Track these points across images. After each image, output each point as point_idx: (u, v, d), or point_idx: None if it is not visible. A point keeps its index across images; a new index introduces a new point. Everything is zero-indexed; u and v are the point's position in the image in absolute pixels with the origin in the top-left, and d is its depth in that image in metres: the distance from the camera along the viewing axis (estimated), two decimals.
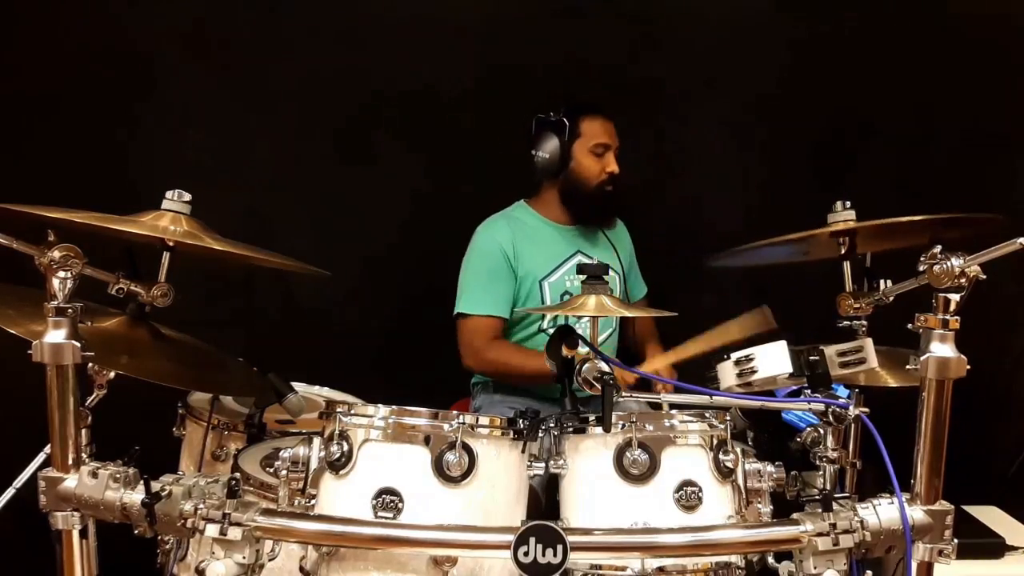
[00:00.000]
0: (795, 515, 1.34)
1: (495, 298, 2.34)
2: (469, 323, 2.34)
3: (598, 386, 1.43)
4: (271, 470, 1.57)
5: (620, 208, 2.50)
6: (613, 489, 1.41)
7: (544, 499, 1.75)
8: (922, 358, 1.31)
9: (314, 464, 1.44)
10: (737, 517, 1.44)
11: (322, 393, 2.17)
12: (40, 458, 1.69)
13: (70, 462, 1.30)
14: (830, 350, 1.55)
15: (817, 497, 1.35)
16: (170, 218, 1.54)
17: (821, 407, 1.48)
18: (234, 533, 1.28)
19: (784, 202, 2.55)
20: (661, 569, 1.36)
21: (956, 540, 1.33)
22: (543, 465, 1.47)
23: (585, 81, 2.69)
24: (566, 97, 2.43)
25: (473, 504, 1.39)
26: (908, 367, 1.34)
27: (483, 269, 2.36)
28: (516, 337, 2.41)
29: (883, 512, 1.32)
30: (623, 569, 1.37)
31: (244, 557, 1.29)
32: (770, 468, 1.48)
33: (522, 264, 2.37)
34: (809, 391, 1.51)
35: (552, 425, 1.51)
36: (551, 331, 2.34)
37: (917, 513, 1.32)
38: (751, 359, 1.51)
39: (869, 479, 1.79)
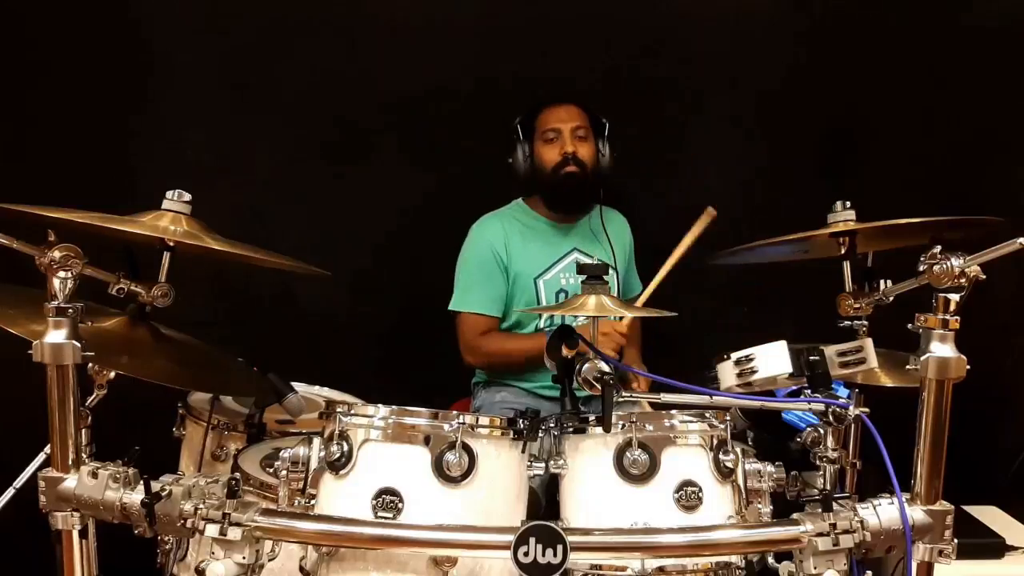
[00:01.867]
0: (795, 515, 1.34)
1: (486, 297, 2.37)
2: (463, 320, 2.38)
3: (598, 386, 1.43)
4: (271, 470, 1.57)
5: (597, 190, 2.45)
6: (613, 489, 1.41)
7: (544, 499, 1.75)
8: (922, 358, 1.31)
9: (314, 464, 1.44)
10: (737, 517, 1.44)
11: (322, 393, 2.17)
12: (40, 458, 1.68)
13: (70, 462, 1.30)
14: (830, 350, 1.55)
15: (817, 497, 1.35)
16: (170, 218, 1.54)
17: (821, 407, 1.48)
18: (234, 533, 1.28)
19: (784, 202, 2.55)
20: (661, 569, 1.36)
21: (956, 540, 1.33)
22: (543, 465, 1.47)
23: (586, 81, 2.69)
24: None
25: (473, 504, 1.39)
26: (908, 367, 1.34)
27: (475, 268, 2.40)
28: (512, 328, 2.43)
29: (883, 512, 1.32)
30: (623, 569, 1.36)
31: (244, 557, 1.29)
32: (770, 468, 1.48)
33: (515, 262, 2.38)
34: (809, 391, 1.51)
35: (552, 425, 1.51)
36: (548, 330, 2.35)
37: (917, 513, 1.32)
38: (751, 359, 1.51)
39: (869, 479, 1.79)
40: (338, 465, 1.40)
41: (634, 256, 2.60)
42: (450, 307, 2.40)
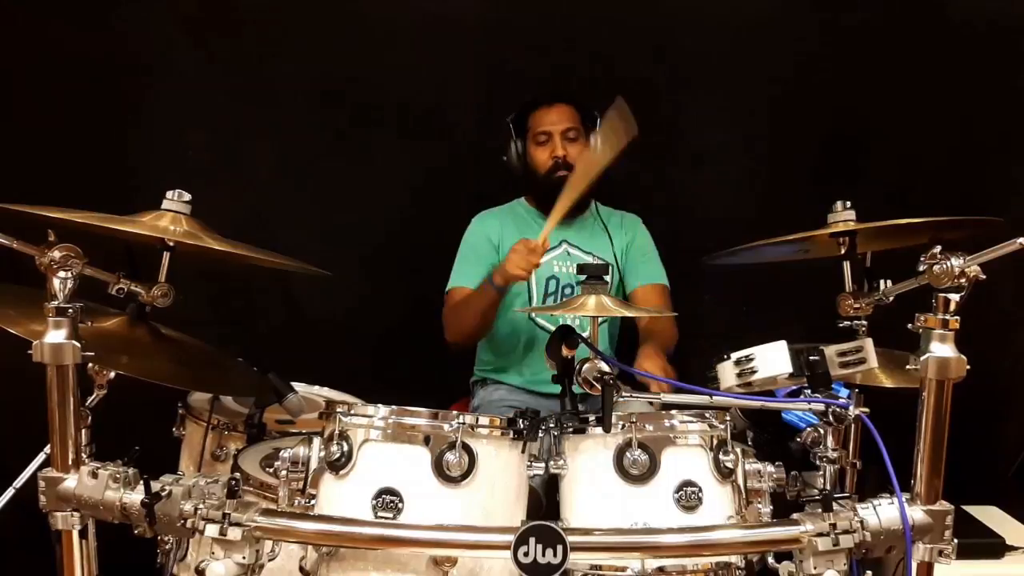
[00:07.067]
0: (795, 515, 1.34)
1: (472, 273, 2.38)
2: (447, 299, 2.40)
3: (598, 386, 1.43)
4: (271, 470, 1.57)
5: (593, 193, 2.41)
6: (613, 489, 1.41)
7: (544, 499, 1.75)
8: (922, 358, 1.31)
9: (314, 464, 1.44)
10: (737, 517, 1.44)
11: (322, 393, 2.17)
12: (40, 458, 1.69)
13: (70, 462, 1.30)
14: (830, 350, 1.55)
15: (817, 497, 1.35)
16: (170, 218, 1.54)
17: (821, 407, 1.48)
18: (234, 533, 1.28)
19: (784, 202, 2.55)
20: (661, 569, 1.36)
21: (956, 540, 1.33)
22: (543, 465, 1.47)
23: (586, 81, 2.69)
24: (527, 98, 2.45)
25: (473, 504, 1.39)
26: (908, 367, 1.34)
27: (467, 251, 2.44)
28: (502, 313, 2.39)
29: (883, 512, 1.32)
30: (623, 569, 1.36)
31: (244, 557, 1.29)
32: (770, 468, 1.48)
33: (506, 251, 2.37)
34: (809, 391, 1.51)
35: (552, 425, 1.51)
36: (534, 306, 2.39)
37: (917, 513, 1.32)
38: (751, 359, 1.51)
39: (869, 479, 1.79)
40: (338, 465, 1.40)
41: (647, 253, 2.53)
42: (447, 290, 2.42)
